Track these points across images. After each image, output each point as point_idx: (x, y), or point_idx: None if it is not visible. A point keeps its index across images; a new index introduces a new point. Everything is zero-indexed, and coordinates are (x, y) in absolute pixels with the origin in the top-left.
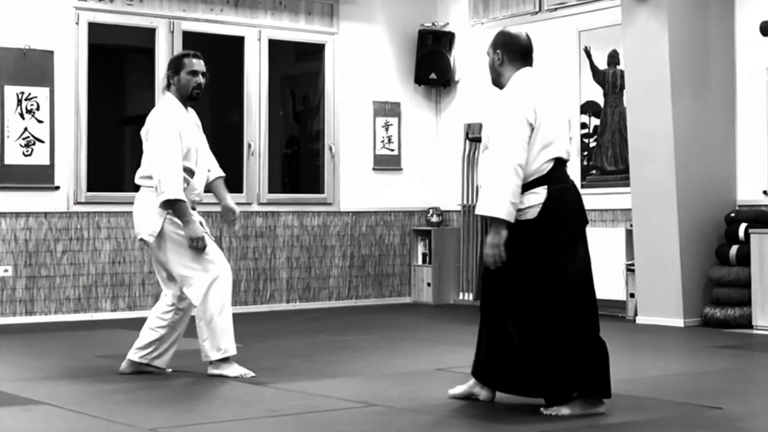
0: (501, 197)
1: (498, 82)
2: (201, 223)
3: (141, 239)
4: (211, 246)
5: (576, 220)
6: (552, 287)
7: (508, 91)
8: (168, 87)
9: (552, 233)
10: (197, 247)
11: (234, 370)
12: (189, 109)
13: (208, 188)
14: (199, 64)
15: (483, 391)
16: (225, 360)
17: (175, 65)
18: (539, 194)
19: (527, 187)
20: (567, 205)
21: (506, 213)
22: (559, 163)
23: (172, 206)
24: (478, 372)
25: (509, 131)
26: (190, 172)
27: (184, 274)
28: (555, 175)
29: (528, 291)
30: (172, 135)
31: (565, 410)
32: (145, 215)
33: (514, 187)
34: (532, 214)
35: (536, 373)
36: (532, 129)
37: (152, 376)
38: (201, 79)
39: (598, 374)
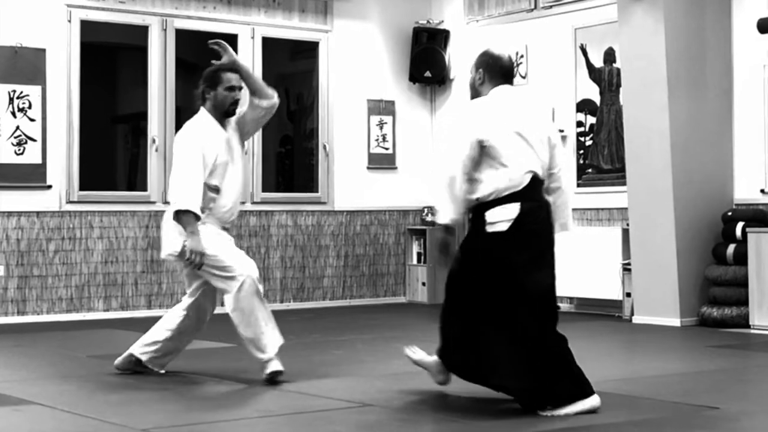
0: (442, 206)
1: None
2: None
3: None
4: (232, 251)
5: (544, 238)
6: (510, 299)
7: (465, 105)
8: (203, 102)
9: (518, 249)
10: (192, 260)
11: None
12: (228, 121)
13: (255, 96)
14: (236, 79)
15: (440, 375)
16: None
17: (212, 80)
18: (510, 210)
19: (499, 201)
20: (536, 223)
21: (448, 219)
22: (534, 181)
23: (179, 217)
24: (444, 355)
25: (450, 145)
26: (215, 189)
27: (218, 285)
28: (528, 193)
29: (487, 298)
30: (191, 151)
31: (561, 411)
32: (168, 234)
33: (449, 196)
34: (502, 227)
35: (501, 375)
36: (482, 145)
37: (145, 377)
38: (239, 95)
39: (566, 376)
